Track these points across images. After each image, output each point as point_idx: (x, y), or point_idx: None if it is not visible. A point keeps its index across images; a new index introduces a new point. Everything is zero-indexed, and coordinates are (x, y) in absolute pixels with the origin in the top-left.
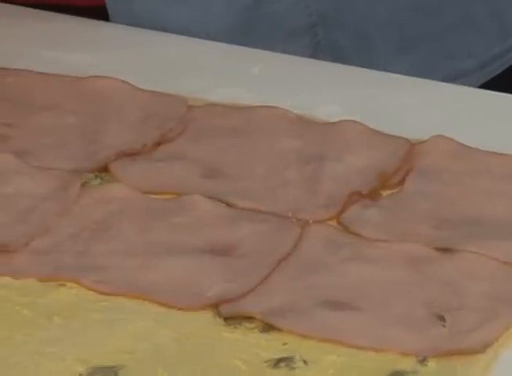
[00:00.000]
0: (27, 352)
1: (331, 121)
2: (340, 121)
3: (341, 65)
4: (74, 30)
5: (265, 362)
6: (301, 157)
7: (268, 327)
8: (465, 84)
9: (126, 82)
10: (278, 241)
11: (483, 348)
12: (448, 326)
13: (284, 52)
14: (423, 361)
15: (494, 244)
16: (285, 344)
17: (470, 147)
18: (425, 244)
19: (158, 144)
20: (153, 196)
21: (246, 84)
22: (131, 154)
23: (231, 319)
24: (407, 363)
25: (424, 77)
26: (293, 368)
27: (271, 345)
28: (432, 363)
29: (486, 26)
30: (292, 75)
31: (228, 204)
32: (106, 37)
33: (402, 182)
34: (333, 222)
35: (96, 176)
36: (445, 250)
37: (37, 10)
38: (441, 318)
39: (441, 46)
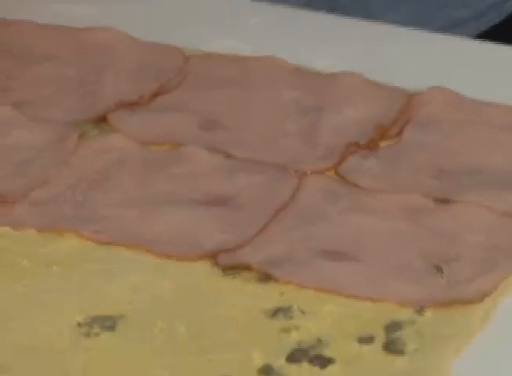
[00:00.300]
0: (26, 302)
1: (329, 72)
2: (339, 73)
3: (339, 17)
4: None
5: (263, 312)
6: (299, 109)
7: (265, 277)
8: (462, 34)
9: (125, 34)
10: (275, 192)
11: (481, 298)
12: (445, 276)
13: (280, 1)
14: (420, 311)
15: (493, 195)
16: (282, 294)
17: (468, 98)
18: (423, 194)
19: (156, 95)
20: (151, 147)
21: (244, 35)
22: (129, 105)
23: (229, 270)
24: (404, 314)
25: (420, 27)
26: (291, 318)
27: (269, 295)
28: (429, 313)
29: None
30: (290, 27)
31: (226, 155)
32: None
33: (400, 133)
34: (331, 173)
35: (94, 127)
36: (443, 201)
37: None
38: (439, 269)
39: None
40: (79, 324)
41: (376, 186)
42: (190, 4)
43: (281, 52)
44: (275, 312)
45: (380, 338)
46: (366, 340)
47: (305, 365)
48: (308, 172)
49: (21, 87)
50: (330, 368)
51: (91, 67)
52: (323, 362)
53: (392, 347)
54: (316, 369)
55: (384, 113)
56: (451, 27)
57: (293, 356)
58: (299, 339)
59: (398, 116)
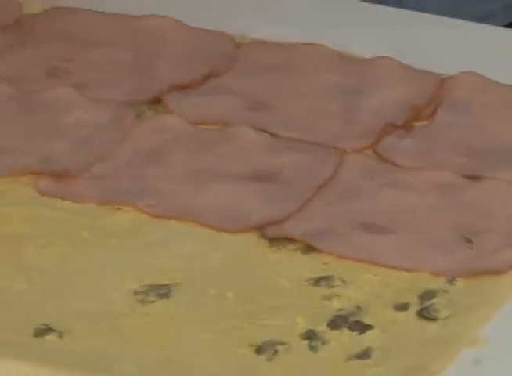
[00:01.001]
0: (87, 272)
1: (368, 57)
2: (376, 58)
3: (379, 6)
4: None
5: (306, 280)
6: (340, 91)
7: (308, 249)
8: (492, 24)
9: (178, 21)
10: (318, 169)
11: (508, 268)
12: (475, 248)
13: None
14: (451, 281)
15: None
16: (324, 264)
17: (497, 82)
18: (455, 171)
19: (207, 78)
20: (202, 126)
21: (290, 22)
22: (181, 87)
23: (274, 241)
24: (437, 283)
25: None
26: (332, 286)
27: (311, 265)
28: (460, 283)
29: None
30: (332, 15)
31: (272, 135)
32: None
33: (433, 114)
34: (370, 152)
35: (150, 108)
36: (473, 177)
37: None
38: (469, 241)
39: None
40: (136, 292)
41: (411, 163)
42: None
43: (324, 38)
44: (318, 281)
45: (415, 305)
46: (402, 307)
47: (345, 330)
48: (348, 151)
49: (81, 70)
50: (368, 333)
51: (146, 52)
52: (362, 328)
53: (426, 314)
54: (355, 334)
55: (418, 95)
56: (482, 18)
57: (334, 322)
58: (339, 306)
59: (432, 98)
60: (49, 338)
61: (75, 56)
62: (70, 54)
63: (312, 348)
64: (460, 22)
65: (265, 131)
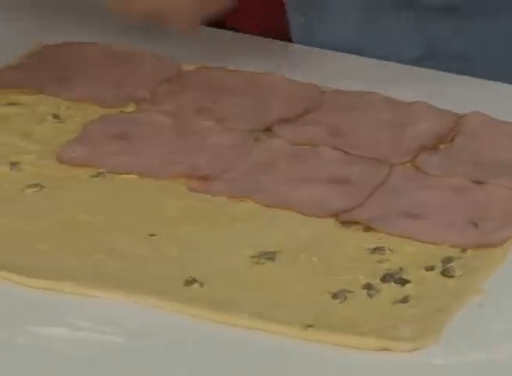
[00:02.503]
0: (219, 242)
1: (408, 101)
2: (414, 102)
3: (413, 67)
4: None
5: (366, 250)
6: (390, 124)
7: (368, 228)
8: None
9: (284, 76)
10: (375, 175)
11: (502, 242)
12: (479, 229)
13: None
14: (464, 251)
15: (510, 180)
16: (379, 239)
17: (496, 119)
18: (467, 178)
19: (303, 114)
20: (298, 146)
21: (356, 78)
22: (285, 120)
23: (345, 223)
24: (454, 252)
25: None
26: (383, 254)
27: (370, 240)
28: (470, 252)
29: None
30: (385, 73)
31: (345, 153)
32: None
33: (452, 140)
34: (410, 165)
35: (264, 134)
36: (479, 182)
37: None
38: (475, 224)
39: None
40: (252, 256)
41: (437, 172)
42: (326, 57)
43: (379, 88)
44: (374, 250)
45: (438, 267)
46: (430, 268)
47: (392, 283)
48: (395, 164)
49: (219, 109)
50: (407, 286)
51: (262, 97)
52: (403, 282)
53: (446, 273)
54: (398, 286)
55: (442, 127)
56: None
57: (385, 278)
58: (388, 267)
59: (451, 129)
60: (194, 286)
61: (215, 99)
62: (212, 98)
63: (370, 295)
64: (468, 78)
65: (341, 150)
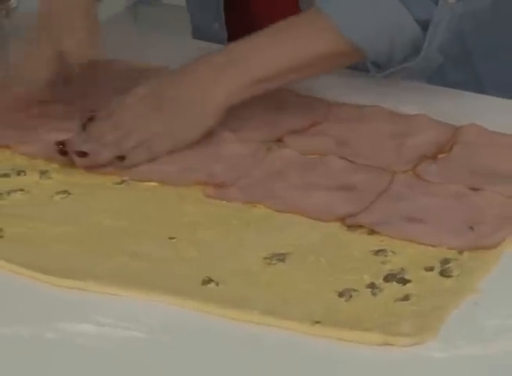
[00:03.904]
0: (234, 245)
1: (409, 114)
2: (415, 114)
3: (417, 83)
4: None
5: (370, 251)
6: (392, 135)
7: (372, 232)
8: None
9: (292, 90)
10: (378, 183)
11: (496, 245)
12: (475, 232)
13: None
14: (460, 253)
15: (504, 187)
16: (381, 241)
17: (491, 130)
18: (464, 185)
19: (311, 126)
20: (307, 156)
21: (361, 93)
22: (295, 132)
23: (351, 227)
24: (451, 254)
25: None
26: (386, 256)
27: (374, 242)
28: (466, 254)
29: None
30: (386, 88)
31: (350, 162)
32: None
33: (450, 149)
34: (411, 172)
35: (275, 144)
36: (475, 189)
37: None
38: (472, 228)
39: None
40: (264, 258)
41: (436, 180)
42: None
43: (382, 102)
44: (377, 252)
45: (437, 268)
46: (429, 269)
47: (394, 283)
48: (397, 172)
49: (234, 121)
50: (408, 285)
51: (274, 110)
52: (404, 281)
53: (444, 273)
54: (400, 285)
55: (441, 138)
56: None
57: (387, 278)
58: (390, 268)
59: (450, 140)
60: (211, 286)
61: (230, 112)
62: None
63: (373, 294)
64: (465, 92)
65: (347, 159)
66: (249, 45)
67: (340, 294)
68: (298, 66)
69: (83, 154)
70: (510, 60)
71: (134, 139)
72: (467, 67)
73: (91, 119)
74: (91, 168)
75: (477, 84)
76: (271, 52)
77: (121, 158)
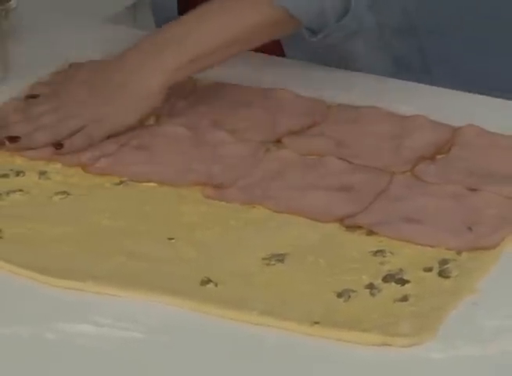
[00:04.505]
0: (232, 245)
1: (408, 115)
2: (413, 115)
3: (416, 83)
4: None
5: (369, 252)
6: (390, 136)
7: (371, 232)
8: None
9: (292, 91)
10: (377, 183)
11: (494, 245)
12: (473, 233)
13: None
14: (459, 253)
15: (502, 187)
16: (380, 242)
17: (489, 131)
18: (462, 186)
19: (310, 127)
20: (306, 157)
21: (359, 93)
22: (294, 132)
23: (350, 228)
24: (450, 254)
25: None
26: (384, 256)
27: (372, 243)
28: (465, 254)
29: None
30: (385, 88)
31: (349, 162)
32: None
33: (448, 150)
34: (409, 173)
35: (274, 145)
36: (473, 190)
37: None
38: (470, 228)
39: None
40: (263, 258)
41: (434, 180)
42: (331, 73)
43: (380, 103)
44: (376, 253)
45: (436, 268)
46: (428, 269)
47: (392, 283)
48: (396, 172)
49: (231, 121)
50: (407, 286)
51: (273, 110)
52: (403, 282)
53: (443, 274)
54: (399, 286)
55: (439, 138)
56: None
57: (386, 278)
58: (389, 268)
59: (448, 140)
60: (209, 286)
61: (229, 113)
62: (226, 111)
63: (372, 294)
64: (463, 93)
65: (345, 160)
66: (184, 24)
67: (339, 295)
68: (236, 39)
69: (14, 139)
70: (453, 35)
71: (72, 124)
72: (412, 41)
73: (34, 97)
74: (23, 150)
75: (422, 59)
76: (207, 27)
77: (60, 145)
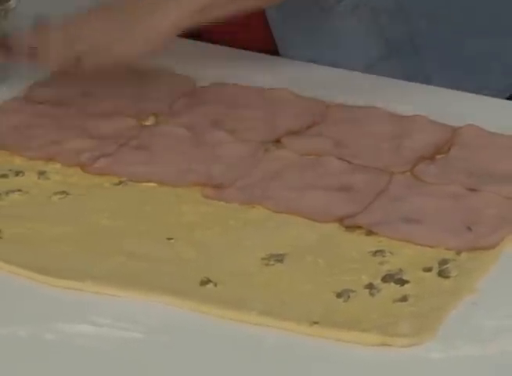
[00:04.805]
0: (232, 245)
1: (408, 115)
2: (413, 115)
3: (416, 84)
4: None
5: (368, 252)
6: (390, 136)
7: (370, 232)
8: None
9: (292, 92)
10: (376, 183)
11: (494, 245)
12: (473, 233)
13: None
14: (458, 253)
15: (501, 187)
16: (379, 242)
17: (488, 131)
18: (461, 186)
19: (309, 127)
20: (305, 157)
21: (358, 93)
22: (293, 133)
23: (349, 228)
24: (450, 254)
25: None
26: (384, 256)
27: (372, 243)
28: (464, 254)
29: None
30: (385, 89)
31: (348, 162)
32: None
33: (448, 150)
34: (409, 173)
35: (273, 145)
36: (472, 190)
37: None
38: (470, 228)
39: None
40: (262, 258)
41: (434, 181)
42: (331, 73)
43: (380, 103)
44: (375, 253)
45: (435, 268)
46: (427, 269)
47: (392, 284)
48: (395, 172)
49: (232, 122)
50: (406, 286)
51: (272, 111)
52: (402, 282)
53: (442, 274)
54: (398, 286)
55: (439, 139)
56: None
57: (385, 278)
58: (388, 268)
59: (448, 141)
60: (209, 286)
61: (228, 113)
62: (225, 111)
63: (371, 294)
64: (463, 93)
65: (344, 160)
66: None
67: (339, 295)
68: None
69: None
70: (443, 21)
71: (83, 43)
72: (404, 26)
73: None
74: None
75: (412, 44)
76: None
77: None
